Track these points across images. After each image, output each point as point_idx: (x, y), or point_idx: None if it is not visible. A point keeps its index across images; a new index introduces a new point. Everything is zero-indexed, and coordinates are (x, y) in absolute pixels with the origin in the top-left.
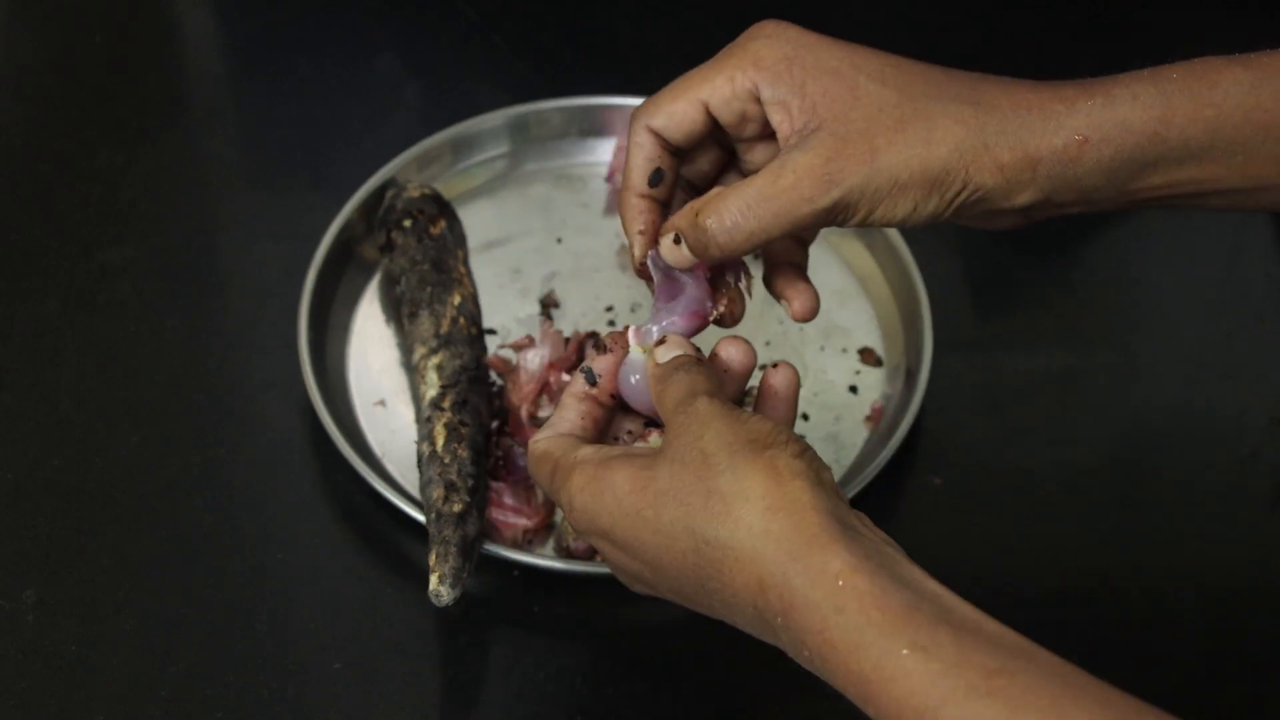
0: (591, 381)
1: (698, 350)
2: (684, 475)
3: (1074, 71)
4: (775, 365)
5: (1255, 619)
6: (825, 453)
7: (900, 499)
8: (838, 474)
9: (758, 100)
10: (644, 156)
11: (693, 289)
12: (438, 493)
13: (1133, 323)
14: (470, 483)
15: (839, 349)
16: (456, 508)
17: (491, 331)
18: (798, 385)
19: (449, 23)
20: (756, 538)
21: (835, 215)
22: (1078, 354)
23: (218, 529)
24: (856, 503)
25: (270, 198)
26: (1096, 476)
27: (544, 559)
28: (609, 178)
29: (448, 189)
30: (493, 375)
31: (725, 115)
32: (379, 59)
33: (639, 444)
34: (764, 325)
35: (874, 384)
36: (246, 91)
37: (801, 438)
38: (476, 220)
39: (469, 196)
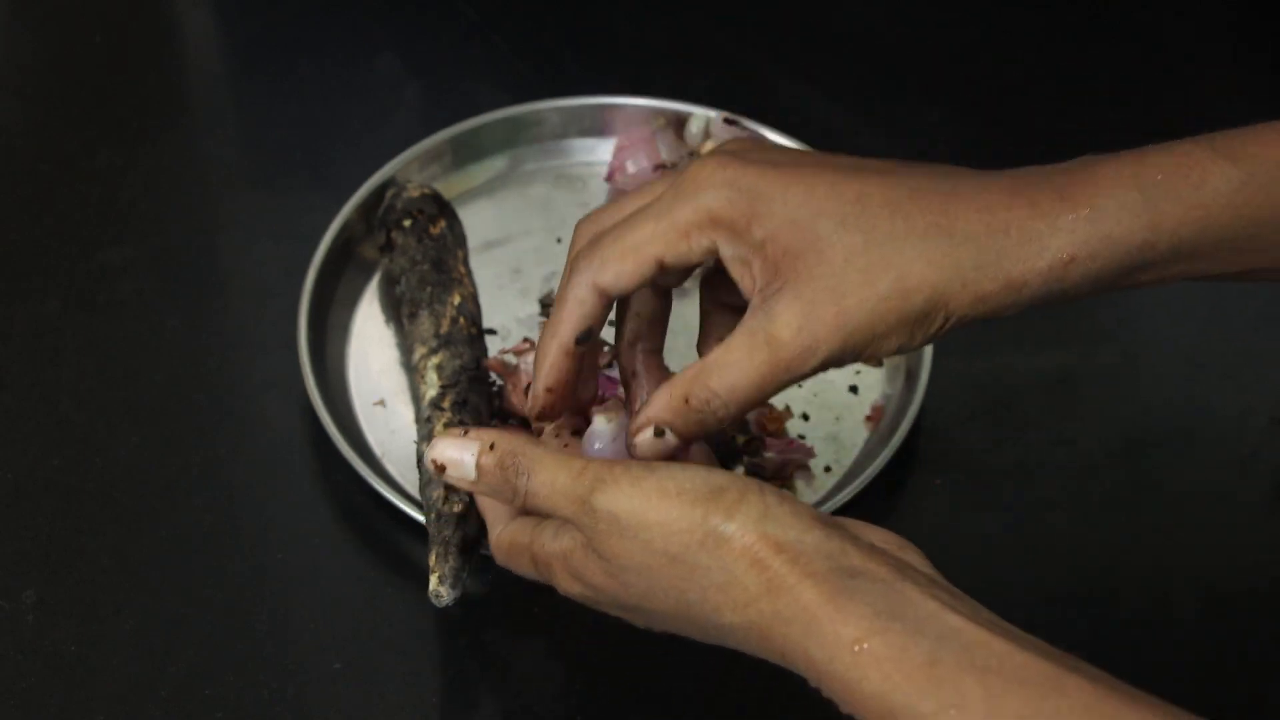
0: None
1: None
2: (663, 585)
3: (1074, 70)
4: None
5: (1255, 619)
6: (825, 453)
7: (900, 499)
8: (838, 474)
9: (715, 253)
10: (581, 314)
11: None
12: (437, 493)
13: (1133, 323)
14: None
15: None
16: (456, 508)
17: (492, 331)
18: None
19: (449, 23)
20: (769, 620)
21: (820, 368)
22: (1078, 354)
23: (218, 529)
24: (857, 503)
25: (270, 198)
26: (1096, 476)
27: None
28: (609, 178)
29: (448, 189)
30: (493, 376)
31: (679, 267)
32: (379, 59)
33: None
34: None
35: (874, 384)
36: (246, 91)
37: (749, 483)
38: (476, 220)
39: (469, 196)
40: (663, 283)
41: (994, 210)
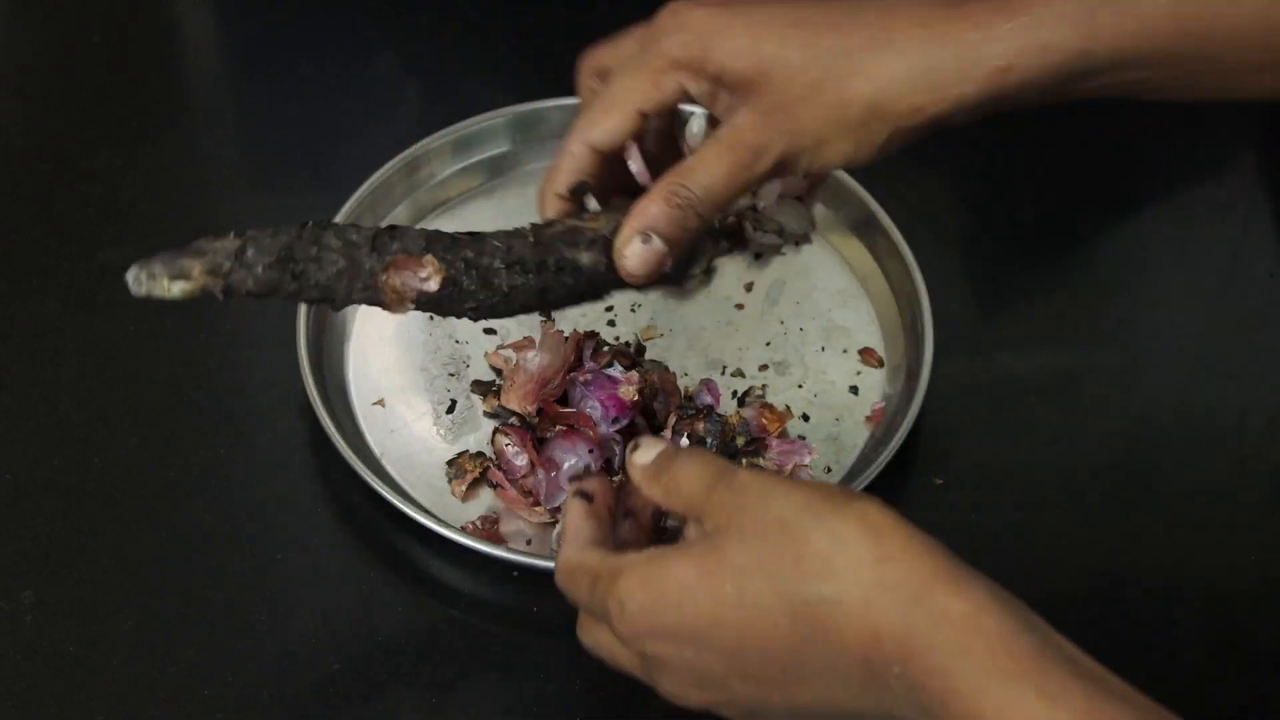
0: (589, 499)
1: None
2: (763, 547)
3: None
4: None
5: (1255, 619)
6: (825, 453)
7: (900, 499)
8: (838, 474)
9: (687, 93)
10: (574, 167)
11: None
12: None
13: (1133, 323)
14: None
15: (839, 349)
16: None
17: (492, 331)
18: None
19: (449, 23)
20: (869, 588)
21: (776, 172)
22: (1078, 354)
23: (218, 529)
24: None
25: (270, 198)
26: (1096, 476)
27: (544, 559)
28: None
29: (448, 189)
30: (492, 375)
31: (658, 112)
32: (379, 59)
33: (677, 544)
34: (764, 326)
35: (874, 384)
36: (246, 91)
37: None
38: (476, 220)
39: (469, 196)
40: (655, 128)
41: (930, 24)
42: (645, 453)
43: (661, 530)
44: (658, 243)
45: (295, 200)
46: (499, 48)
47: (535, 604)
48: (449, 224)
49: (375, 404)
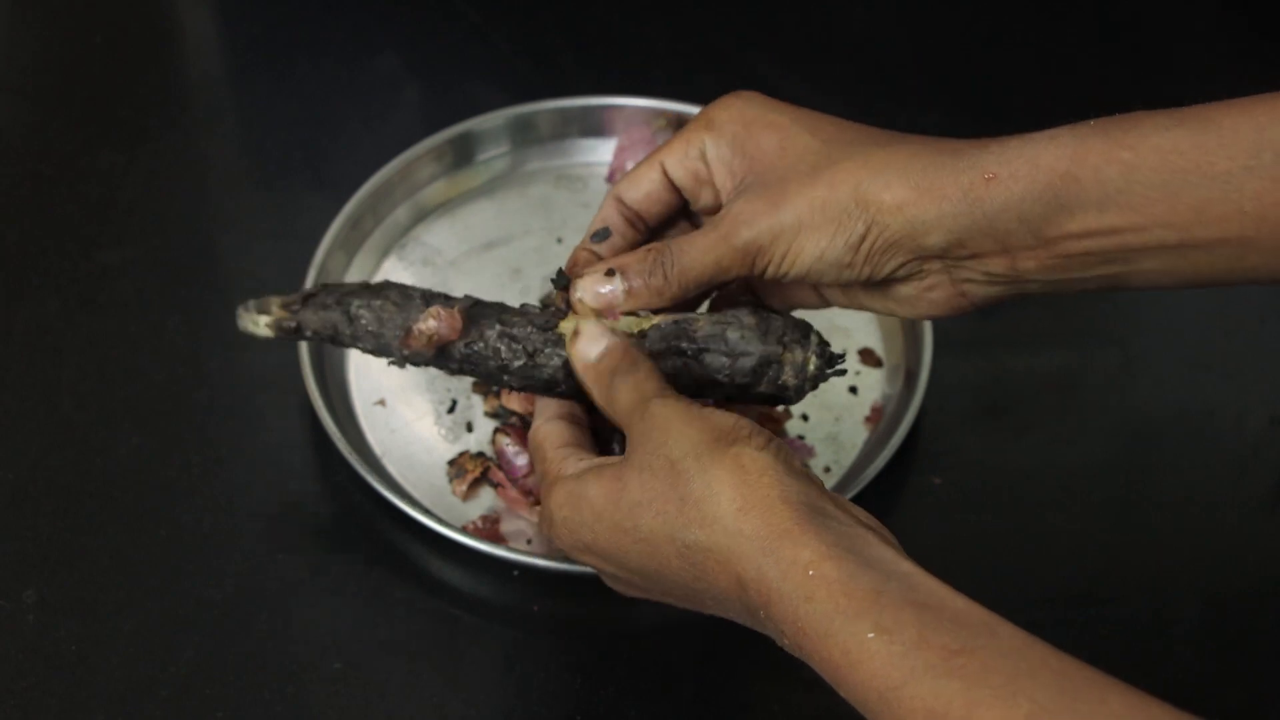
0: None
1: (625, 335)
2: (654, 484)
3: (1074, 72)
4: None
5: (1255, 619)
6: (825, 453)
7: (900, 499)
8: (837, 474)
9: (705, 160)
10: (601, 218)
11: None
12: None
13: (1133, 323)
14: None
15: (839, 349)
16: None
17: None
18: None
19: (449, 23)
20: (732, 538)
21: (751, 257)
22: (1078, 354)
23: (218, 529)
24: (856, 503)
25: (270, 198)
26: (1096, 476)
27: (544, 559)
28: (609, 178)
29: (448, 189)
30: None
31: (679, 175)
32: (379, 59)
33: (608, 456)
34: None
35: (874, 384)
36: (246, 91)
37: (765, 431)
38: (476, 220)
39: (469, 196)
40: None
41: (937, 142)
42: (590, 346)
43: None
44: (618, 284)
45: (295, 200)
46: (499, 48)
47: (535, 604)
48: (449, 224)
49: (376, 404)
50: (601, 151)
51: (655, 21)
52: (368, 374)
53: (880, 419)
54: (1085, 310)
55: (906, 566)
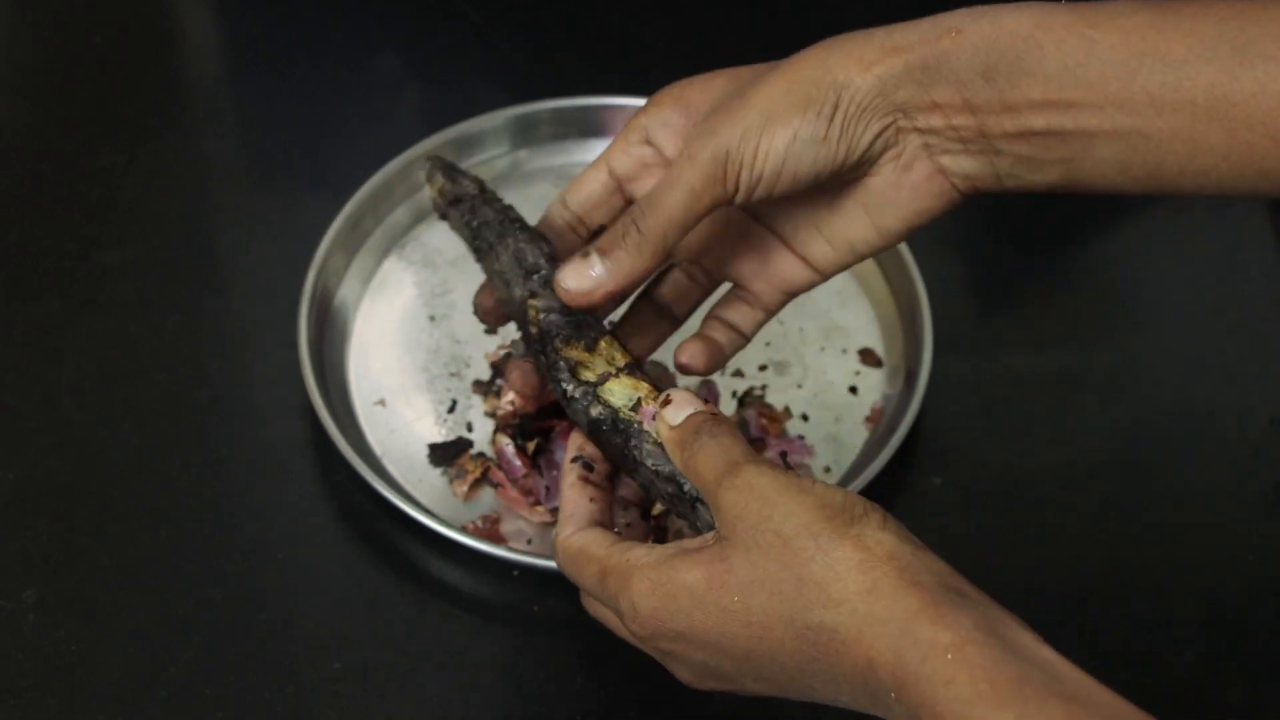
0: (589, 468)
1: (708, 402)
2: (765, 563)
3: None
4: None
5: (1255, 619)
6: (825, 453)
7: (900, 499)
8: (837, 474)
9: (649, 142)
10: (544, 221)
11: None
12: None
13: (1133, 323)
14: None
15: (839, 349)
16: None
17: (492, 331)
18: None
19: (449, 23)
20: (863, 620)
21: (721, 168)
22: (1078, 354)
23: (218, 529)
24: None
25: (270, 198)
26: (1096, 476)
27: (544, 559)
28: None
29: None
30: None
31: (626, 168)
32: (379, 59)
33: (690, 539)
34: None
35: (874, 384)
36: (246, 91)
37: (876, 505)
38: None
39: None
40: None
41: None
42: (676, 412)
43: (653, 518)
44: (598, 262)
45: (295, 200)
46: (499, 48)
47: (535, 604)
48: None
49: (376, 404)
50: (601, 151)
51: (655, 21)
52: (368, 374)
53: (880, 419)
54: (1085, 310)
55: (1048, 654)
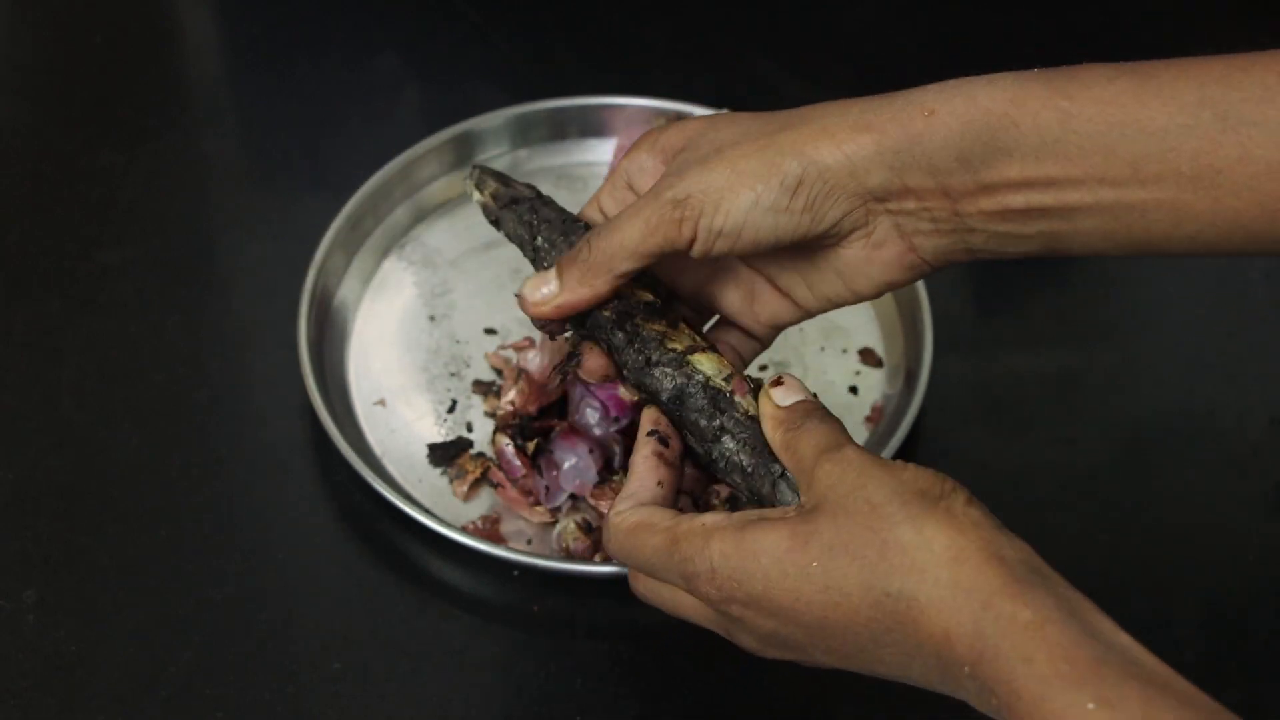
0: (665, 443)
1: (816, 397)
2: (851, 527)
3: None
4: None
5: (1255, 619)
6: None
7: None
8: None
9: (630, 187)
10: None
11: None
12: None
13: (1133, 323)
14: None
15: (839, 349)
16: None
17: (492, 331)
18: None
19: (449, 23)
20: (944, 589)
21: (679, 212)
22: (1078, 354)
23: (218, 529)
24: None
25: (270, 198)
26: (1096, 476)
27: (544, 559)
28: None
29: (448, 189)
30: (492, 375)
31: (611, 210)
32: (379, 59)
33: (770, 509)
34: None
35: (874, 384)
36: (246, 91)
37: (963, 485)
38: (476, 220)
39: (469, 197)
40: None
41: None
42: (785, 394)
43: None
44: (554, 280)
45: (295, 200)
46: (499, 48)
47: (535, 604)
48: (449, 224)
49: (376, 404)
50: (601, 151)
51: (655, 21)
52: (368, 374)
53: (880, 419)
54: (1085, 310)
55: (1125, 639)
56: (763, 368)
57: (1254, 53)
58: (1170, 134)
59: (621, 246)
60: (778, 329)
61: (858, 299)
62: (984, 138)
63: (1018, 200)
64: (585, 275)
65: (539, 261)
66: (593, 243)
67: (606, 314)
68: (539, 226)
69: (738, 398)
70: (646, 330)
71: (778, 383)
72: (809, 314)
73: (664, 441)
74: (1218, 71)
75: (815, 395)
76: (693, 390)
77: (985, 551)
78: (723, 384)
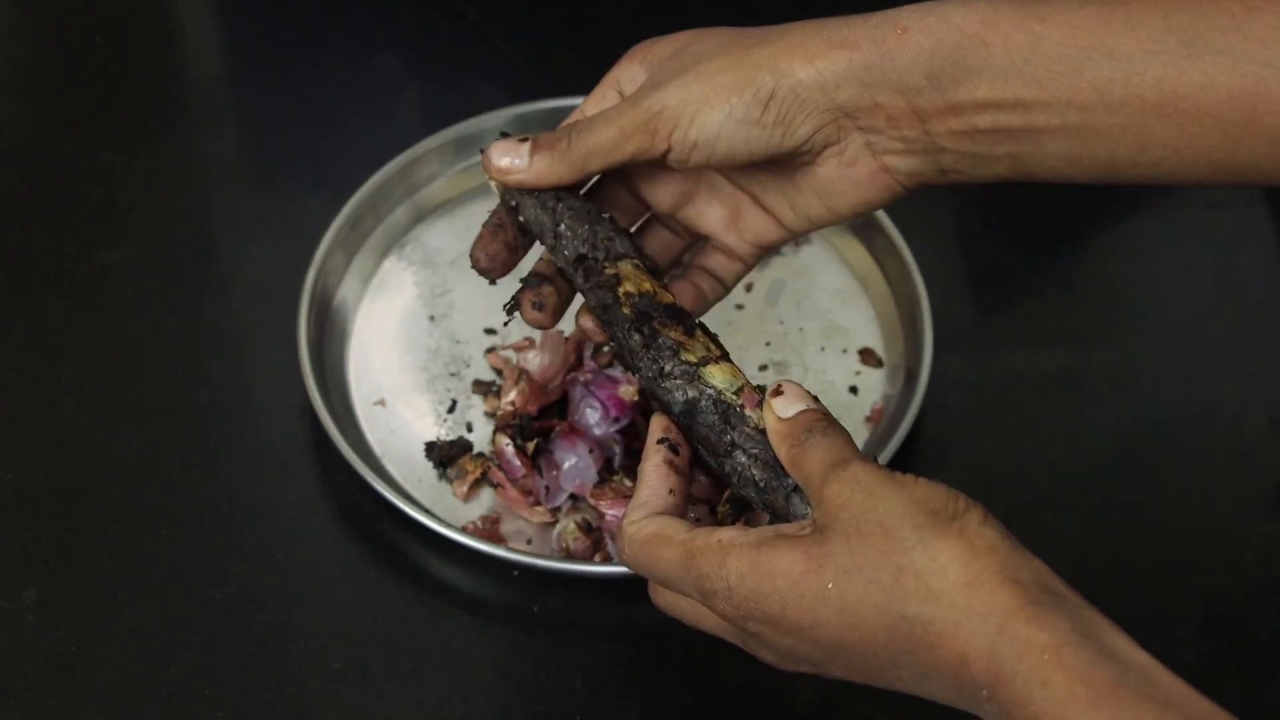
0: (675, 450)
1: (818, 401)
2: (865, 550)
3: None
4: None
5: (1255, 619)
6: None
7: None
8: None
9: (620, 94)
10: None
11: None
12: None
13: (1133, 323)
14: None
15: (839, 349)
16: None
17: (492, 331)
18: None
19: (449, 23)
20: (960, 613)
21: (654, 122)
22: (1078, 354)
23: (218, 529)
24: None
25: (270, 198)
26: (1096, 476)
27: (544, 559)
28: None
29: (448, 189)
30: (492, 376)
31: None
32: (379, 59)
33: (786, 525)
34: (764, 326)
35: (874, 384)
36: (246, 91)
37: (978, 503)
38: (476, 220)
39: (469, 196)
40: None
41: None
42: (787, 405)
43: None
44: (526, 153)
45: (295, 200)
46: (499, 48)
47: (535, 604)
48: (449, 224)
49: (376, 404)
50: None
51: (655, 21)
52: (368, 374)
53: (880, 419)
54: (1085, 310)
55: (1143, 658)
56: (762, 368)
57: None
58: (1136, 59)
59: (596, 148)
60: (761, 249)
61: (838, 218)
62: (954, 57)
63: (985, 120)
64: (556, 163)
65: (559, 249)
66: (573, 136)
67: (626, 311)
68: (562, 213)
69: (748, 411)
70: (664, 336)
71: (778, 391)
72: (792, 234)
73: (674, 449)
74: (1184, 1)
75: (816, 398)
76: (704, 405)
77: (1000, 574)
78: (733, 398)
